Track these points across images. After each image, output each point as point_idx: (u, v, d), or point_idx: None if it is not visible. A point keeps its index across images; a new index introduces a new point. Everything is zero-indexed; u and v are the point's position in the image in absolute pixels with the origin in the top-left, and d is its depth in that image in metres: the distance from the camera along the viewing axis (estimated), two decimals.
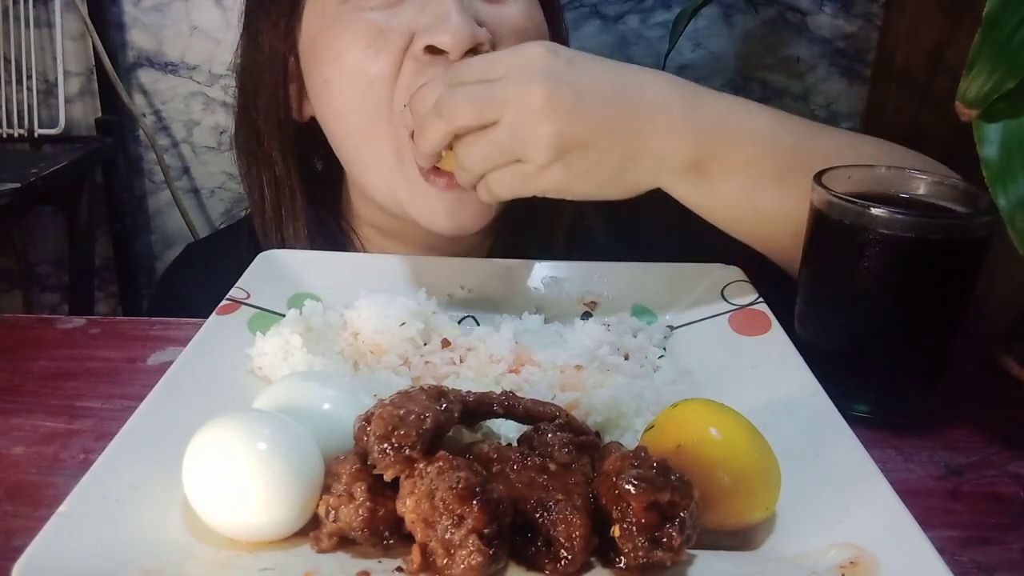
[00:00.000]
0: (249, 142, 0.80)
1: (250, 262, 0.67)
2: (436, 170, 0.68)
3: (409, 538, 0.39)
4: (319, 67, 0.72)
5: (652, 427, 0.46)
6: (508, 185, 0.59)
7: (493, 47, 0.68)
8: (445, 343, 0.59)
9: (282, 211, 0.80)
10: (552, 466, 0.42)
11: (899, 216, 0.54)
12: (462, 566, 0.36)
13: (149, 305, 1.01)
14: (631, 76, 0.60)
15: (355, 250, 0.82)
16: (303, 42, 0.74)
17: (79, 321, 0.70)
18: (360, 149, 0.73)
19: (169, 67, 1.54)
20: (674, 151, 0.59)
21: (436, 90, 0.59)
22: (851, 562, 0.39)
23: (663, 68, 1.31)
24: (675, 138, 0.59)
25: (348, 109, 0.71)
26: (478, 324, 0.64)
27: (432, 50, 0.66)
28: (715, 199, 0.62)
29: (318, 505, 0.40)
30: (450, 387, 0.47)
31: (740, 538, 0.42)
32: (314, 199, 0.80)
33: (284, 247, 0.77)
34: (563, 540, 0.38)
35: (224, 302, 0.61)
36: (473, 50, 0.65)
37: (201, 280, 0.84)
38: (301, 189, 0.79)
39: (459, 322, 0.64)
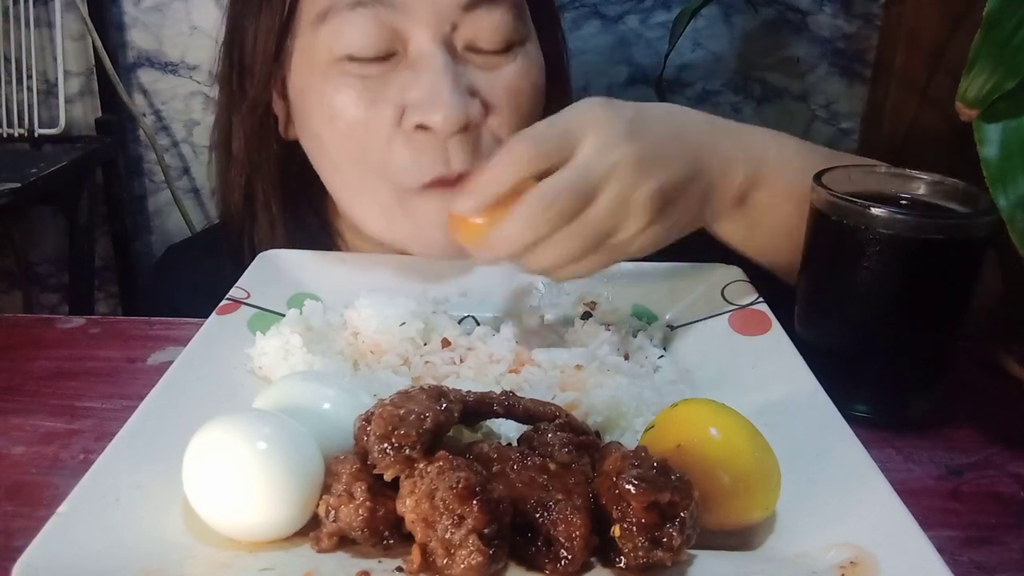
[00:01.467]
0: (222, 160, 0.79)
1: (230, 263, 0.66)
2: (436, 182, 0.67)
3: (409, 538, 0.39)
4: (309, 120, 0.71)
5: (652, 427, 0.46)
6: (595, 266, 0.58)
7: (485, 118, 0.67)
8: (445, 343, 0.59)
9: (255, 224, 0.79)
10: (552, 466, 0.42)
11: (899, 216, 0.54)
12: (462, 566, 0.36)
13: (139, 305, 1.02)
14: (675, 117, 0.61)
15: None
16: (292, 83, 0.72)
17: (79, 321, 0.70)
18: (354, 195, 0.72)
19: (169, 67, 1.54)
20: (729, 184, 0.61)
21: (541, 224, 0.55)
22: (851, 562, 0.39)
23: (663, 68, 1.31)
24: (731, 170, 0.61)
25: (341, 164, 0.71)
26: (478, 324, 0.64)
27: (422, 127, 0.65)
28: (756, 230, 0.64)
29: (318, 505, 0.40)
30: (450, 387, 0.47)
31: (740, 538, 0.42)
32: (293, 209, 0.79)
33: (257, 250, 0.76)
34: (563, 540, 0.38)
35: (224, 302, 0.61)
36: (465, 128, 0.64)
37: (184, 282, 0.84)
38: (279, 205, 0.78)
39: (459, 322, 0.63)
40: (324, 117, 0.68)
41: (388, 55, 0.66)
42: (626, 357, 0.59)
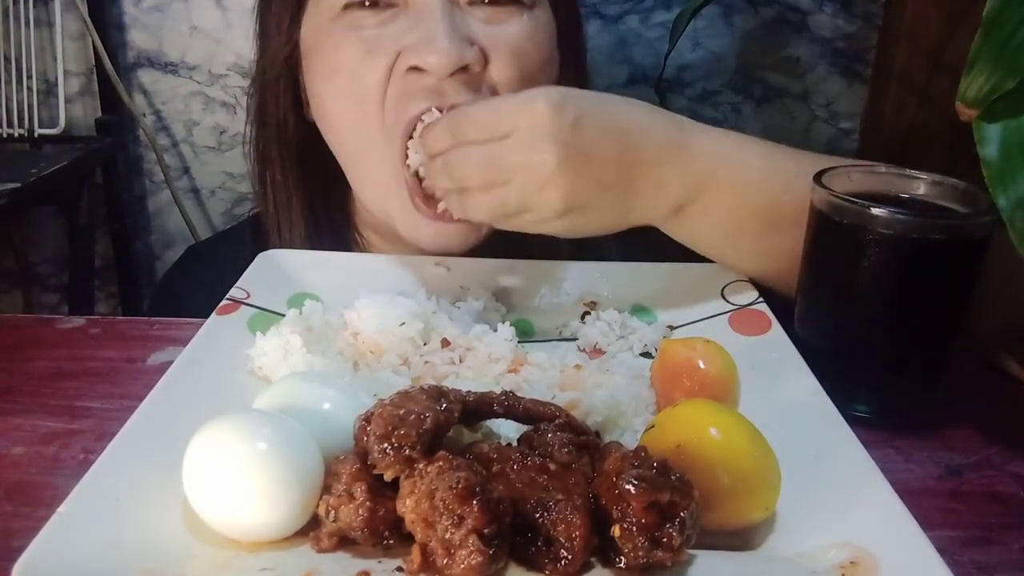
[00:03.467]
0: (257, 141, 0.81)
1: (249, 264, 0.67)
2: (427, 199, 0.68)
3: (409, 538, 0.39)
4: (314, 82, 0.72)
5: (652, 427, 0.46)
6: (512, 227, 0.61)
7: (485, 67, 0.67)
8: (445, 343, 0.59)
9: (291, 213, 0.80)
10: (552, 466, 0.42)
11: (899, 216, 0.54)
12: (462, 566, 0.36)
13: (149, 306, 1.01)
14: (632, 131, 0.60)
15: (356, 251, 0.82)
16: (302, 51, 0.74)
17: (79, 321, 0.70)
18: (355, 164, 0.73)
19: (169, 67, 1.54)
20: (662, 202, 0.62)
21: (443, 139, 0.59)
22: (851, 562, 0.39)
23: (663, 68, 1.31)
24: (664, 190, 0.61)
25: (341, 126, 0.71)
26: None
27: (417, 69, 0.65)
28: (696, 237, 0.65)
29: (318, 505, 0.40)
30: (450, 387, 0.47)
31: (740, 538, 0.42)
32: (318, 201, 0.80)
33: (286, 247, 0.77)
34: (563, 540, 0.38)
35: (224, 302, 0.61)
36: (462, 69, 0.65)
37: (202, 282, 0.83)
38: (299, 192, 0.79)
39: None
40: (325, 73, 0.70)
41: (388, 4, 0.67)
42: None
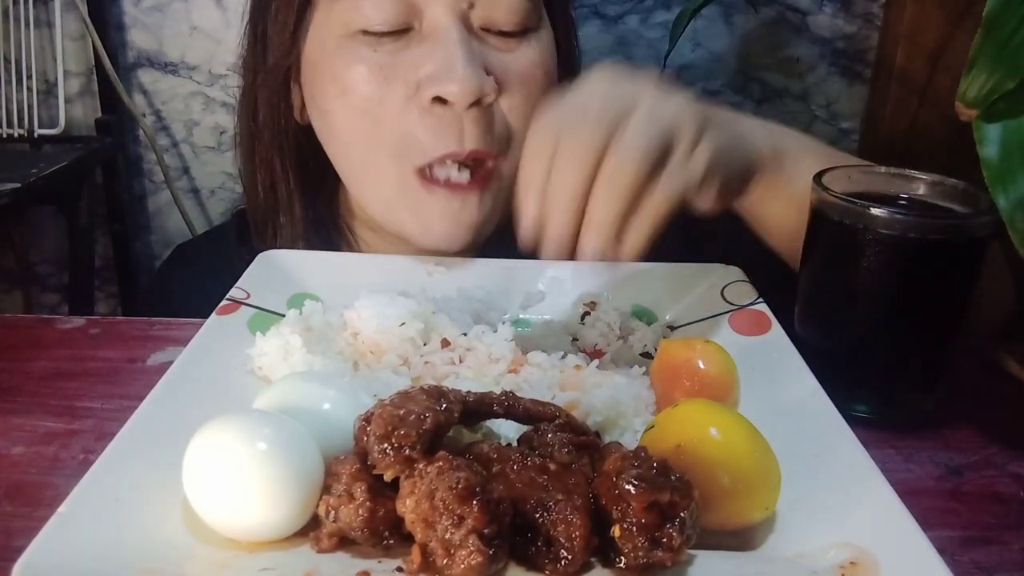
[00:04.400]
0: (248, 141, 0.80)
1: (238, 261, 0.67)
2: (434, 180, 0.68)
3: (409, 538, 0.39)
4: (321, 95, 0.71)
5: (652, 427, 0.46)
6: (669, 190, 0.52)
7: (498, 99, 0.68)
8: (445, 343, 0.59)
9: (279, 211, 0.80)
10: (552, 466, 0.42)
11: (899, 216, 0.54)
12: (462, 566, 0.36)
13: (140, 305, 1.02)
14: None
15: (350, 250, 0.82)
16: (306, 58, 0.73)
17: (79, 321, 0.70)
18: (360, 175, 0.73)
19: (169, 67, 1.54)
20: (756, 134, 0.63)
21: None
22: (851, 562, 0.39)
23: (663, 68, 1.31)
24: (756, 129, 0.63)
25: (350, 140, 0.71)
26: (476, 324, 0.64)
27: (439, 100, 0.65)
28: (788, 189, 0.63)
29: (318, 505, 0.40)
30: (450, 387, 0.47)
31: (740, 538, 0.42)
32: (308, 198, 0.80)
33: (276, 247, 0.77)
34: (563, 540, 0.38)
35: (224, 302, 0.61)
36: (478, 101, 0.65)
37: (191, 280, 0.84)
38: (298, 192, 0.79)
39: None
40: (336, 92, 0.69)
41: (403, 30, 0.67)
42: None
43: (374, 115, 0.68)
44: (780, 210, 0.65)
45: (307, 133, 0.77)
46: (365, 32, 0.67)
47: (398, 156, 0.69)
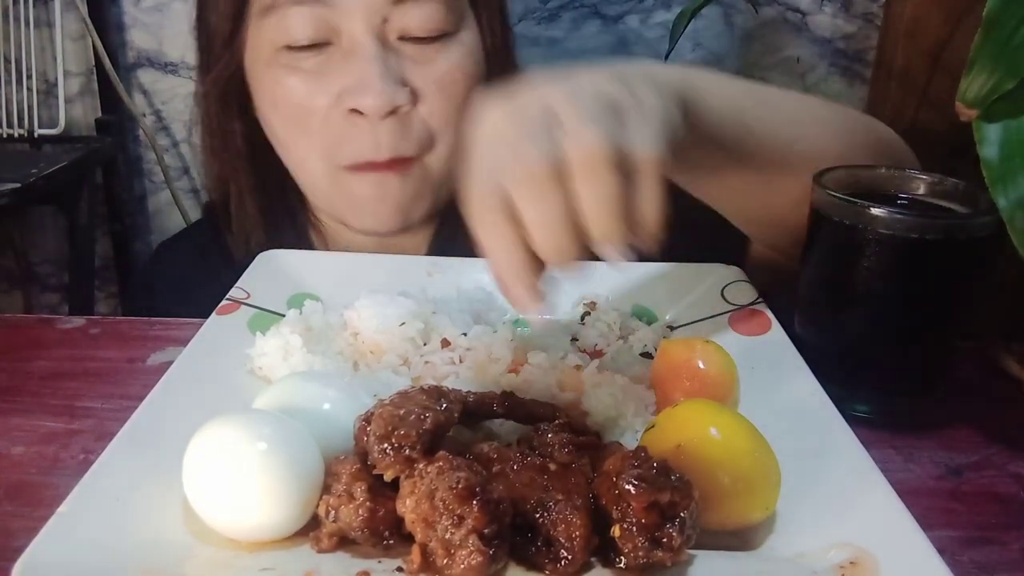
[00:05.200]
0: (203, 140, 0.84)
1: (214, 254, 0.68)
2: (359, 167, 0.72)
3: (409, 538, 0.39)
4: (258, 100, 0.77)
5: (652, 427, 0.46)
6: (647, 145, 0.45)
7: (415, 106, 0.71)
8: (445, 343, 0.59)
9: (233, 203, 0.83)
10: (552, 466, 0.42)
11: (899, 216, 0.54)
12: (462, 566, 0.36)
13: (124, 303, 1.04)
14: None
15: (316, 233, 0.84)
16: (246, 64, 0.76)
17: (79, 321, 0.70)
18: (299, 171, 0.78)
19: (169, 67, 1.54)
20: (671, 72, 0.55)
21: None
22: (851, 562, 0.39)
23: None
24: (664, 68, 0.56)
25: (284, 143, 0.76)
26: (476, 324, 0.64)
27: (356, 111, 0.70)
28: (711, 115, 0.56)
29: (318, 505, 0.40)
30: (450, 387, 0.47)
31: (740, 538, 0.42)
32: (269, 190, 0.83)
33: (240, 237, 0.81)
34: (563, 540, 0.38)
35: (224, 302, 0.61)
36: (394, 111, 0.69)
37: (172, 276, 0.88)
38: (249, 184, 0.82)
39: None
40: (269, 103, 0.75)
41: (324, 44, 0.71)
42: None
43: (303, 123, 0.73)
44: (707, 147, 0.57)
45: (260, 132, 0.80)
46: (289, 48, 0.71)
47: (327, 158, 0.73)
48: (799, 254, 0.61)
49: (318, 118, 0.72)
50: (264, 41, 0.72)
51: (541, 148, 0.43)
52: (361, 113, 0.70)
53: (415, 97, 0.71)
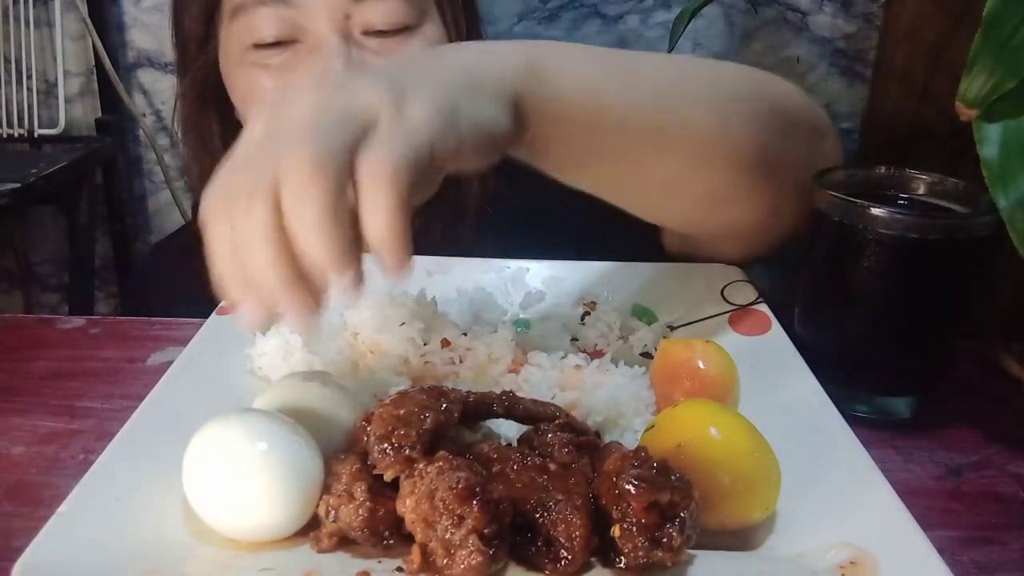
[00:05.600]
0: (185, 140, 0.86)
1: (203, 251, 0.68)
2: None
3: (409, 538, 0.39)
4: (233, 99, 0.78)
5: (652, 427, 0.46)
6: (382, 164, 0.40)
7: None
8: (445, 343, 0.59)
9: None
10: (552, 466, 0.42)
11: (899, 216, 0.54)
12: (462, 566, 0.36)
13: (125, 303, 1.05)
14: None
15: None
16: (220, 64, 0.78)
17: (79, 321, 0.70)
18: None
19: (169, 67, 1.54)
20: (506, 56, 0.50)
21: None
22: (851, 562, 0.39)
23: None
24: (501, 51, 0.51)
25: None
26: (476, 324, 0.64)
27: None
28: (560, 101, 0.51)
29: (318, 505, 0.40)
30: (450, 387, 0.47)
31: (740, 538, 0.42)
32: None
33: None
34: (563, 540, 0.38)
35: (224, 302, 0.61)
36: None
37: (165, 276, 0.88)
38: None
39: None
40: (241, 98, 0.76)
41: (291, 42, 0.72)
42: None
43: None
44: (561, 135, 0.53)
45: (238, 130, 0.81)
46: (257, 46, 0.72)
47: None
48: (724, 234, 0.61)
49: None
50: (233, 41, 0.74)
51: (258, 168, 0.40)
52: None
53: None
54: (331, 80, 0.45)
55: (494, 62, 0.50)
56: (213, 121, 0.82)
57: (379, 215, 0.40)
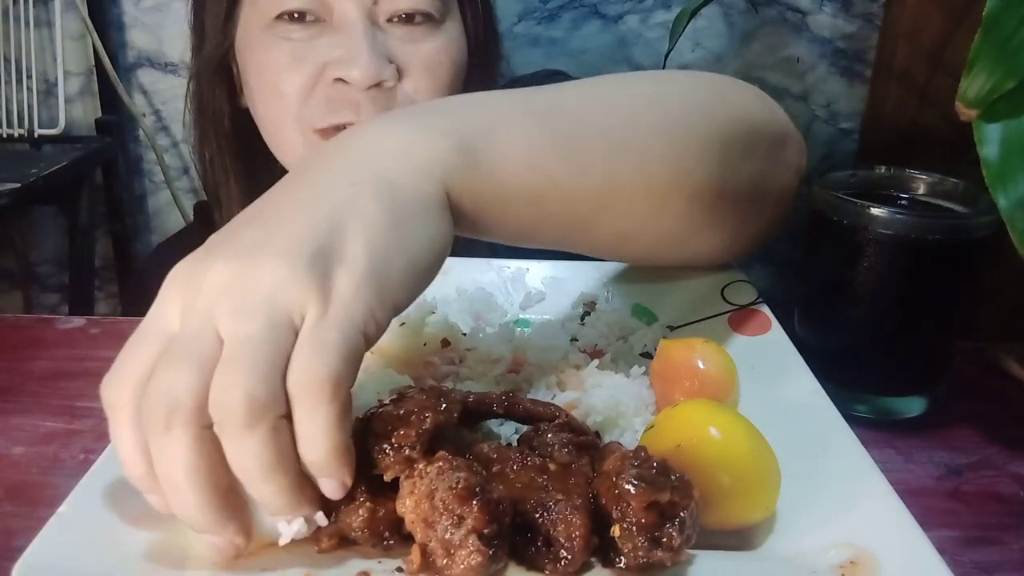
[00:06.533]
0: (194, 128, 0.88)
1: None
2: (343, 127, 0.73)
3: (409, 538, 0.39)
4: (245, 76, 0.80)
5: (652, 427, 0.46)
6: (324, 360, 0.37)
7: (399, 80, 0.73)
8: (445, 343, 0.59)
9: (221, 192, 0.87)
10: (552, 466, 0.42)
11: (899, 216, 0.54)
12: (462, 566, 0.36)
13: (125, 303, 1.05)
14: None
15: None
16: (237, 46, 0.80)
17: (79, 321, 0.70)
18: (275, 147, 0.81)
19: (169, 67, 1.55)
20: (430, 148, 0.44)
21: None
22: (851, 562, 0.39)
23: (663, 68, 1.31)
24: (424, 141, 0.44)
25: (263, 114, 0.79)
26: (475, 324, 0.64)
27: (341, 80, 0.72)
28: (501, 183, 0.47)
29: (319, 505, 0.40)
30: (450, 387, 0.46)
31: (740, 538, 0.42)
32: (258, 178, 0.86)
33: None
34: (563, 540, 0.38)
35: None
36: (378, 84, 0.71)
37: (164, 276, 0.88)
38: (237, 172, 0.86)
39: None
40: (255, 71, 0.77)
41: (316, 21, 0.73)
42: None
43: (282, 91, 0.74)
44: (503, 213, 0.48)
45: (247, 118, 0.83)
46: (281, 18, 0.73)
47: (300, 123, 0.74)
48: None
49: (300, 86, 0.73)
50: (258, 16, 0.75)
51: (173, 370, 0.35)
52: (346, 83, 0.71)
53: (400, 74, 0.73)
54: (239, 263, 0.38)
55: (419, 161, 0.43)
56: (225, 102, 0.83)
57: (317, 441, 0.36)
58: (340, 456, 0.36)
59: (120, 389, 0.37)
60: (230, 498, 0.36)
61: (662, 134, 0.53)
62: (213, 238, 0.41)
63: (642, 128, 0.52)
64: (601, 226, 0.53)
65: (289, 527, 0.38)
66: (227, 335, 0.36)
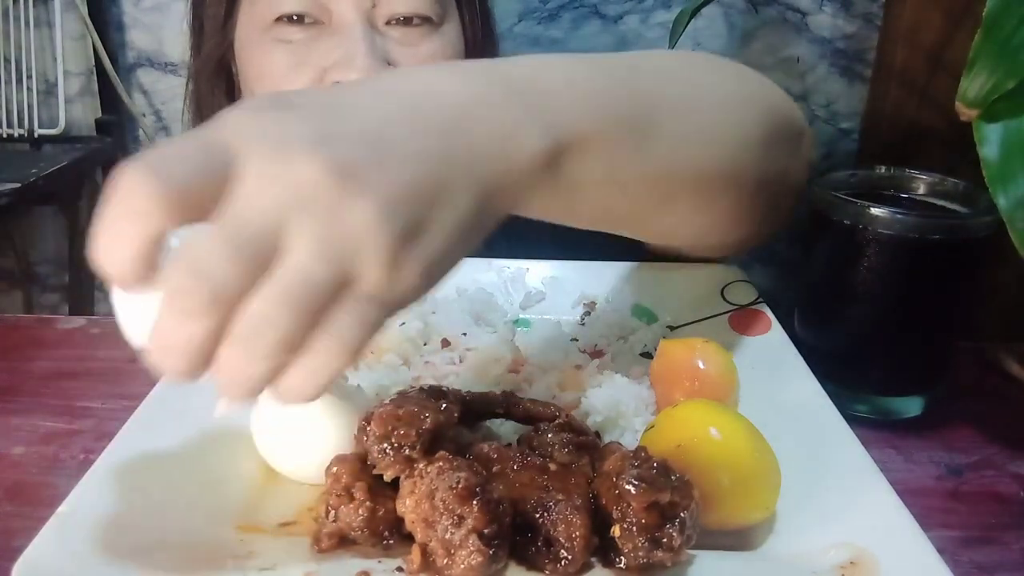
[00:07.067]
0: (194, 126, 0.86)
1: None
2: None
3: (409, 538, 0.39)
4: (245, 78, 0.79)
5: (652, 427, 0.46)
6: (354, 333, 0.34)
7: None
8: (445, 343, 0.59)
9: None
10: (552, 466, 0.42)
11: (899, 216, 0.54)
12: (462, 566, 0.36)
13: None
14: (409, 84, 0.40)
15: None
16: (236, 51, 0.80)
17: (79, 321, 0.70)
18: None
19: (169, 67, 1.55)
20: (518, 157, 0.40)
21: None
22: (851, 562, 0.39)
23: None
24: (515, 139, 0.40)
25: None
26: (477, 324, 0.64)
27: (339, 83, 0.72)
28: (581, 204, 0.46)
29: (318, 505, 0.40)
30: (450, 387, 0.47)
31: (740, 538, 0.42)
32: None
33: None
34: (563, 540, 0.38)
35: None
36: None
37: None
38: None
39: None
40: (255, 75, 0.77)
41: (314, 23, 0.73)
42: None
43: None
44: (575, 214, 0.47)
45: None
46: (280, 20, 0.73)
47: None
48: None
49: (299, 86, 0.73)
50: (257, 18, 0.75)
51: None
52: None
53: None
54: (337, 180, 0.33)
55: (510, 155, 0.40)
56: (223, 103, 0.83)
57: (312, 376, 0.34)
58: (313, 392, 0.35)
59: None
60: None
61: (726, 122, 0.53)
62: (310, 99, 0.37)
63: (710, 121, 0.52)
64: (651, 222, 0.55)
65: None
66: (290, 262, 0.33)
